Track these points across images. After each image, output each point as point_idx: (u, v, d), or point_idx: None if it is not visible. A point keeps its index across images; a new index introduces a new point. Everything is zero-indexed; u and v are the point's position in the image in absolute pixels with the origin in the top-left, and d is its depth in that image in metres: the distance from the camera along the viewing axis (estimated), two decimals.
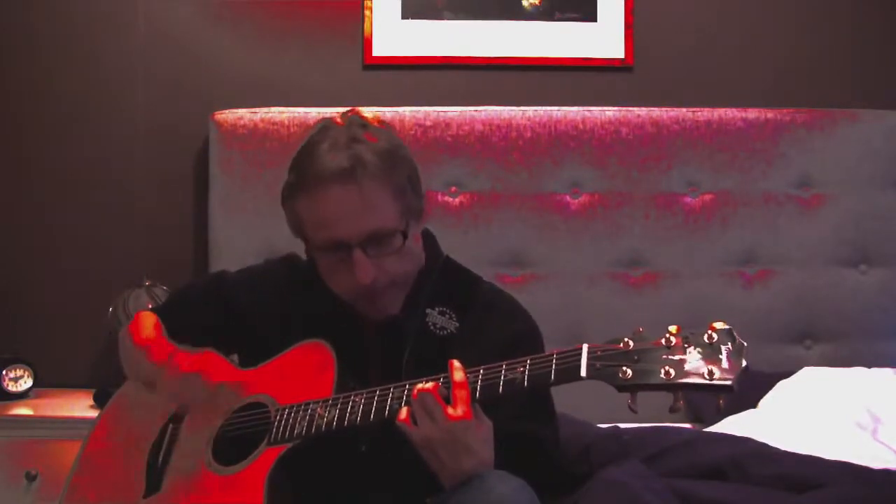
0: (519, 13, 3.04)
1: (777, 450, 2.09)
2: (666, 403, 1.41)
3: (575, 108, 2.91)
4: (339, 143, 1.70)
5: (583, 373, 1.45)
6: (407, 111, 2.89)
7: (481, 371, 1.55)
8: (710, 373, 1.37)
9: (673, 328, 1.42)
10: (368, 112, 1.81)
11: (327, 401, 1.65)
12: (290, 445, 1.65)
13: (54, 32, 3.00)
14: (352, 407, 1.62)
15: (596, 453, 2.08)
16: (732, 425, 2.40)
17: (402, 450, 1.57)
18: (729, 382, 1.36)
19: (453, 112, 2.90)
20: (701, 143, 2.92)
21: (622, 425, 2.24)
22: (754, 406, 2.57)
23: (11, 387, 2.80)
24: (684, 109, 2.93)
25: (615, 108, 2.92)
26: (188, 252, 3.02)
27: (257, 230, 2.78)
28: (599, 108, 2.92)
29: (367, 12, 3.02)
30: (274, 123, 2.87)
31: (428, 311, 1.80)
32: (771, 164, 2.92)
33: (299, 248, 1.84)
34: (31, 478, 2.62)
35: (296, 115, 2.87)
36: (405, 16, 3.02)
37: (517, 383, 1.51)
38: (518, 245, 2.90)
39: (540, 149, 2.90)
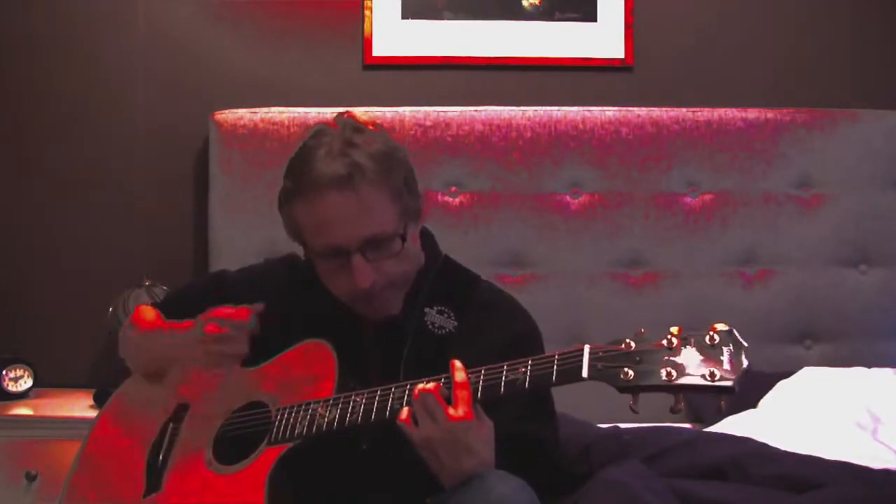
0: (519, 13, 3.05)
1: (777, 450, 2.09)
2: (666, 404, 1.41)
3: (575, 108, 2.91)
4: (335, 149, 1.70)
5: (584, 374, 1.45)
6: (407, 111, 2.89)
7: (483, 371, 1.55)
8: (712, 374, 1.37)
9: (674, 329, 1.42)
10: (364, 114, 1.81)
11: (328, 400, 1.65)
12: (290, 445, 1.65)
13: (54, 32, 3.00)
14: (352, 407, 1.62)
15: (596, 453, 2.08)
16: (732, 425, 2.40)
17: (403, 450, 1.57)
18: (730, 384, 1.36)
19: (453, 112, 2.90)
20: (701, 143, 2.92)
21: (622, 425, 2.24)
22: (754, 406, 2.57)
23: (11, 387, 2.80)
24: (684, 109, 2.93)
25: (615, 108, 2.92)
26: (188, 252, 3.02)
27: (257, 230, 2.78)
28: (599, 108, 2.92)
29: (367, 12, 3.02)
30: (274, 123, 2.87)
31: (427, 310, 1.80)
32: (771, 164, 2.93)
33: (299, 249, 1.84)
34: (31, 478, 2.62)
35: (296, 115, 2.87)
36: (405, 16, 3.02)
37: (519, 384, 1.51)
38: (518, 245, 2.90)
39: (540, 149, 2.90)
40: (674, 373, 1.39)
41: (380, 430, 1.63)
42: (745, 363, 1.37)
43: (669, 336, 1.42)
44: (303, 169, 1.72)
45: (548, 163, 2.90)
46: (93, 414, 2.49)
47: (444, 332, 1.79)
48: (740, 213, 2.92)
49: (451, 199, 2.89)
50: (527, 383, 1.50)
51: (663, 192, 2.91)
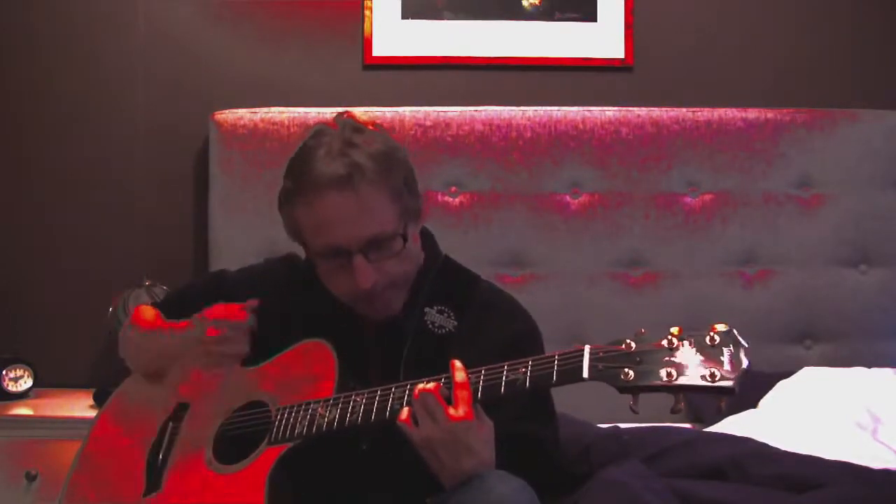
0: (519, 13, 3.04)
1: (777, 450, 2.09)
2: (666, 404, 1.41)
3: (575, 108, 2.91)
4: (335, 149, 1.70)
5: (585, 374, 1.45)
6: (407, 111, 2.89)
7: (483, 371, 1.55)
8: (712, 374, 1.37)
9: (674, 329, 1.42)
10: (364, 114, 1.81)
11: (328, 400, 1.65)
12: (290, 445, 1.65)
13: (54, 32, 3.00)
14: (353, 407, 1.62)
15: (596, 453, 2.08)
16: (732, 425, 2.40)
17: (403, 450, 1.57)
18: (730, 384, 1.36)
19: (453, 112, 2.90)
20: (701, 143, 2.92)
21: (622, 425, 2.24)
22: (754, 406, 2.57)
23: (11, 387, 2.80)
24: (684, 109, 2.93)
25: (615, 108, 2.92)
26: (188, 252, 3.02)
27: (257, 230, 2.78)
28: (599, 108, 2.92)
29: (367, 12, 3.02)
30: (274, 123, 2.87)
31: (427, 309, 1.80)
32: (771, 164, 2.93)
33: (299, 249, 1.84)
34: (31, 478, 2.62)
35: (296, 115, 2.87)
36: (405, 16, 3.02)
37: (519, 384, 1.51)
38: (518, 245, 2.90)
39: (540, 149, 2.90)
40: (674, 373, 1.39)
41: (380, 431, 1.63)
42: (746, 363, 1.37)
43: (669, 336, 1.42)
44: (303, 169, 1.72)
45: (548, 163, 2.90)
46: (93, 414, 2.49)
47: (444, 331, 1.79)
48: (740, 213, 2.92)
49: (451, 199, 2.89)
50: (527, 383, 1.50)
51: (663, 192, 2.91)
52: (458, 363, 1.56)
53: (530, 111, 2.90)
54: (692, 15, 3.10)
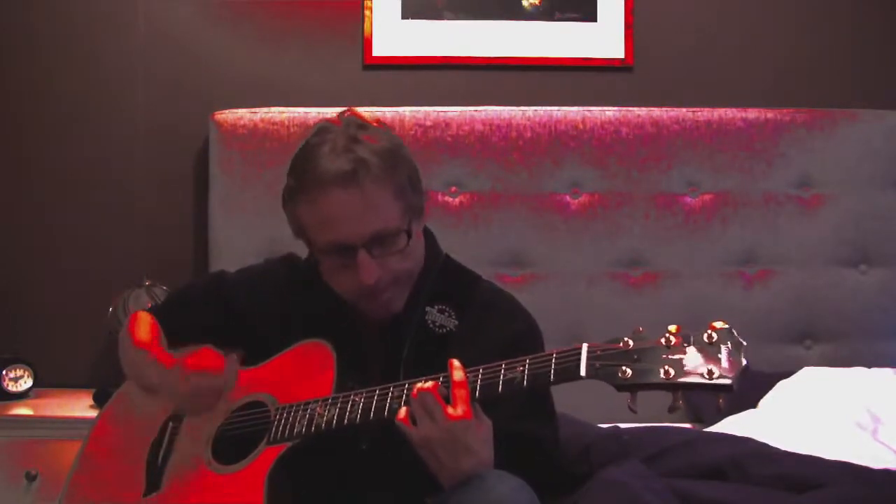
0: (519, 13, 3.05)
1: (777, 450, 2.09)
2: (666, 403, 1.41)
3: (575, 108, 2.91)
4: (339, 146, 1.69)
5: (582, 372, 1.45)
6: (407, 111, 2.89)
7: (481, 370, 1.55)
8: (710, 372, 1.37)
9: (672, 328, 1.42)
10: (366, 112, 1.81)
11: (327, 400, 1.65)
12: (289, 444, 1.65)
13: (54, 32, 3.00)
14: (351, 406, 1.62)
15: (596, 453, 2.07)
16: (732, 425, 2.40)
17: (402, 449, 1.57)
18: (729, 381, 1.36)
19: (453, 112, 2.90)
20: (701, 143, 2.92)
21: (622, 425, 2.24)
22: (754, 406, 2.57)
23: (11, 387, 2.80)
24: (684, 109, 2.93)
25: (615, 108, 2.92)
26: (188, 252, 3.02)
27: (257, 230, 2.78)
28: (599, 108, 2.92)
29: (367, 12, 3.02)
30: (274, 123, 2.87)
31: (427, 309, 1.80)
32: (771, 164, 2.92)
33: (299, 248, 1.84)
34: (31, 478, 2.62)
35: (296, 115, 2.87)
36: (405, 16, 3.02)
37: (517, 383, 1.51)
38: (518, 245, 2.90)
39: (540, 149, 2.90)
40: (672, 371, 1.39)
41: (379, 430, 1.63)
42: (744, 361, 1.37)
43: (668, 334, 1.41)
44: (306, 166, 1.71)
45: (548, 163, 2.90)
46: (93, 414, 2.50)
47: (444, 330, 1.79)
48: (740, 213, 2.92)
49: (451, 199, 2.89)
50: (525, 382, 1.50)
51: (663, 192, 2.91)
52: (456, 362, 1.56)
53: (530, 111, 2.90)
54: (692, 15, 3.10)
